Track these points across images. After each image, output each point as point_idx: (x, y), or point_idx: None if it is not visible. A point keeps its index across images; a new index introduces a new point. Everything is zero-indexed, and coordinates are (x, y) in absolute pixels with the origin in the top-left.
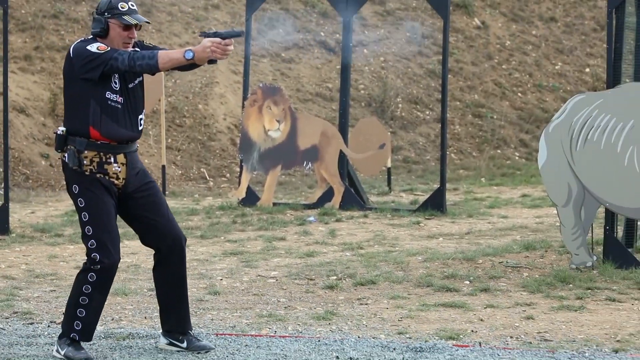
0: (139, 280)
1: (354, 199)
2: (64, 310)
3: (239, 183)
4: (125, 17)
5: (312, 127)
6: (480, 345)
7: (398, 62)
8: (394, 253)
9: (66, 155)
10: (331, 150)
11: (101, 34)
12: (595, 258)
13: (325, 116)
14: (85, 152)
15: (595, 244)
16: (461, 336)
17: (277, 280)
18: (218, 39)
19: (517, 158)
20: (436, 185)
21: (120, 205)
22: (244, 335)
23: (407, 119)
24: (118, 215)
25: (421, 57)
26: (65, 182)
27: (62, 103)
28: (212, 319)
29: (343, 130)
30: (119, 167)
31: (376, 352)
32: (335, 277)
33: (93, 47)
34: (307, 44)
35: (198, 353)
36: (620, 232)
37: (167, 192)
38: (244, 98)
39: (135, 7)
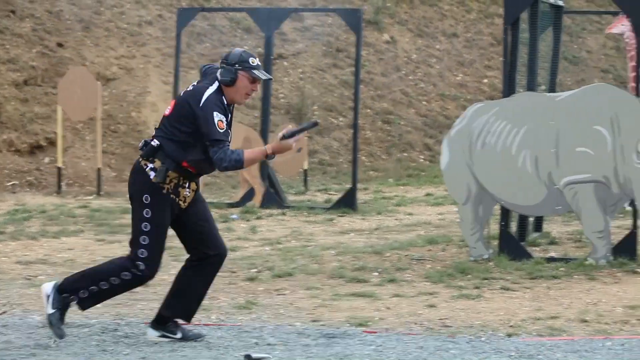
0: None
1: (274, 198)
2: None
3: None
4: (255, 72)
5: (236, 132)
6: (387, 331)
7: (315, 74)
8: (309, 247)
9: (150, 165)
10: None
11: (229, 83)
12: (491, 251)
13: (248, 123)
14: (170, 172)
15: (492, 238)
16: (370, 323)
17: None
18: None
19: (422, 160)
20: (348, 185)
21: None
22: None
23: (323, 125)
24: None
25: (336, 69)
26: (134, 186)
27: (14, 109)
28: (142, 309)
29: (264, 135)
30: (189, 193)
31: (292, 338)
32: (255, 270)
33: (216, 118)
34: None
35: (194, 340)
36: (514, 227)
37: (102, 193)
38: None
39: (260, 64)
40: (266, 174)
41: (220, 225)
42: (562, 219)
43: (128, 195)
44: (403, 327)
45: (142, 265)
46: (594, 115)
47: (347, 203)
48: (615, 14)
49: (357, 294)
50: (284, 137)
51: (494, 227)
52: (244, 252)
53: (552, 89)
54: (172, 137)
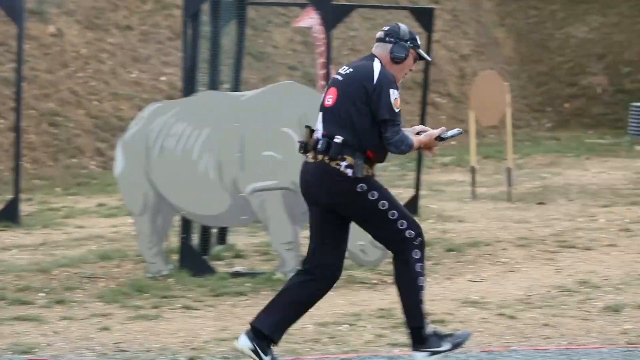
0: None
1: None
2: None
3: None
4: (421, 52)
5: None
6: (55, 358)
7: None
8: None
9: (343, 164)
10: None
11: (402, 60)
12: (171, 266)
13: None
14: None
15: (172, 252)
16: (36, 350)
17: None
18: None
19: (93, 167)
20: (10, 196)
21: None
22: None
23: None
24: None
25: None
26: (340, 195)
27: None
28: None
29: None
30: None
31: None
32: None
33: (392, 96)
34: None
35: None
36: (196, 240)
37: None
38: None
39: None
40: None
41: None
42: (247, 229)
43: (329, 207)
44: (74, 353)
45: (417, 239)
46: (281, 116)
47: (9, 215)
48: (303, 6)
49: (20, 317)
50: (441, 138)
51: (174, 240)
52: None
53: (236, 87)
54: (350, 127)
